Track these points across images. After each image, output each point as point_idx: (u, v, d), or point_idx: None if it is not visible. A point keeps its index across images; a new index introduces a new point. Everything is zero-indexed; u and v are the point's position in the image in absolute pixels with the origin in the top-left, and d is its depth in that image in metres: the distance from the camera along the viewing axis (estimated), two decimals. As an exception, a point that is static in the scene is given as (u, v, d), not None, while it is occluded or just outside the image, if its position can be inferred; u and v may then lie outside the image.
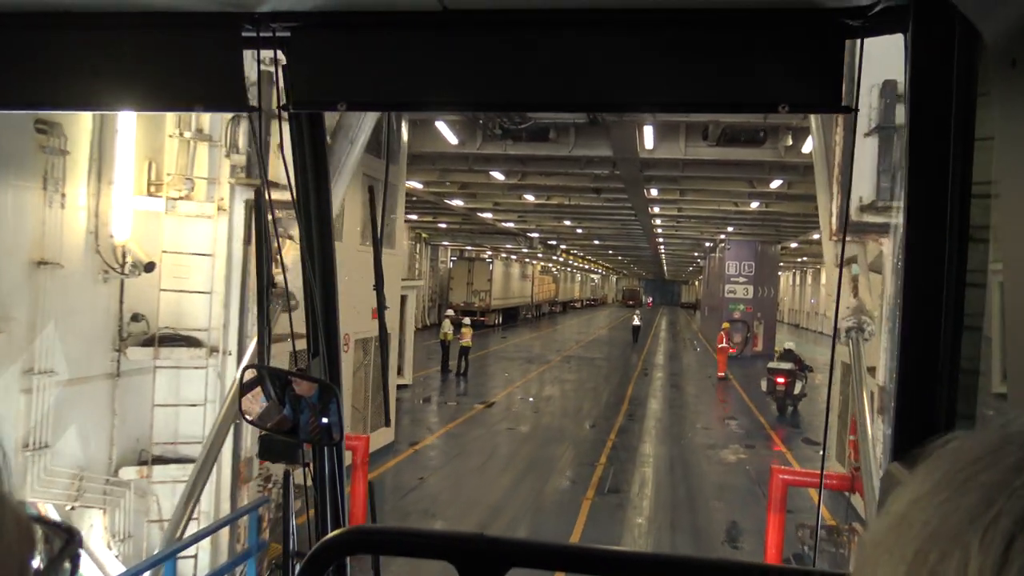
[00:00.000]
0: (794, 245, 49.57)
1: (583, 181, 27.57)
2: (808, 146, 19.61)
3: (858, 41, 1.95)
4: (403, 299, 29.51)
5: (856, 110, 2.04)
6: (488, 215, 38.88)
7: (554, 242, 59.92)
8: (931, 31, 1.82)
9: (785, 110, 2.02)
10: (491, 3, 2.01)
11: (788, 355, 26.23)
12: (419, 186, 29.10)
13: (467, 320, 33.46)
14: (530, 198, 31.72)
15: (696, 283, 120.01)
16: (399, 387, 26.70)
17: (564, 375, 34.46)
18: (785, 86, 1.97)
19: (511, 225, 44.16)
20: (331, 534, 2.17)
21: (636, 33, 1.99)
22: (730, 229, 40.99)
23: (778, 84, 1.97)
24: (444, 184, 29.74)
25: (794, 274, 79.83)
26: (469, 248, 63.17)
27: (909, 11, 1.84)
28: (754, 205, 30.38)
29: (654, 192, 28.77)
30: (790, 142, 20.31)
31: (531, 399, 27.37)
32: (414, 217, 42.36)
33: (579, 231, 47.26)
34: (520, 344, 49.42)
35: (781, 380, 25.41)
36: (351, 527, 2.76)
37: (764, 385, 26.07)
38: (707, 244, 53.65)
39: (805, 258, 66.84)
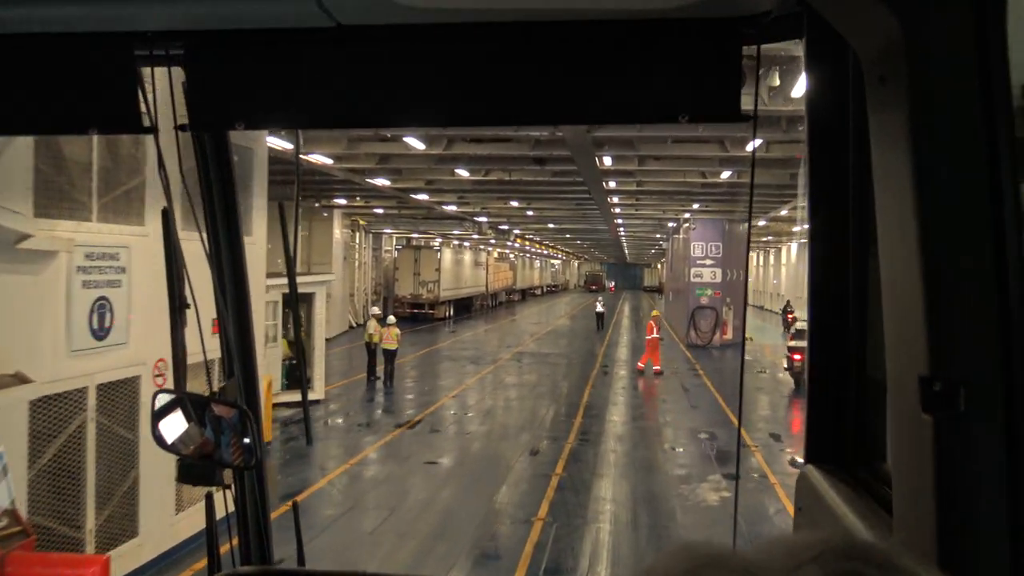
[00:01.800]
0: (762, 223, 44.77)
1: (522, 149, 22.42)
2: (799, 88, 14.89)
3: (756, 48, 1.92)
4: (309, 297, 24.24)
5: (755, 117, 2.03)
6: (423, 196, 33.58)
7: (505, 227, 54.63)
8: (823, 40, 1.87)
9: (685, 120, 1.95)
10: (384, 19, 1.93)
11: (802, 334, 24.04)
12: (328, 160, 23.75)
13: (392, 319, 28.17)
14: (463, 173, 26.47)
15: (659, 266, 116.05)
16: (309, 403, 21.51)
17: (512, 378, 29.35)
18: (684, 96, 1.92)
19: (453, 208, 38.86)
20: None
21: (531, 45, 1.95)
22: (696, 206, 36.03)
23: (677, 94, 1.92)
24: (358, 158, 24.43)
25: (758, 254, 75.93)
26: (416, 236, 57.79)
27: (803, 19, 1.87)
28: (726, 175, 25.40)
29: (608, 161, 23.66)
30: (776, 81, 15.24)
31: (466, 414, 22.22)
32: (342, 201, 37.00)
33: (529, 213, 42.03)
34: (469, 339, 44.26)
35: (798, 357, 25.99)
36: (229, 572, 2.65)
37: (785, 363, 27.67)
38: (670, 224, 48.75)
39: (770, 237, 62.41)
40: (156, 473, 10.71)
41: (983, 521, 1.29)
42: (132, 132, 2.14)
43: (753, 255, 72.39)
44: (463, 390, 26.25)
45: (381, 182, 28.53)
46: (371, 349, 27.45)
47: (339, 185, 30.01)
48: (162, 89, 2.11)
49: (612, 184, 28.67)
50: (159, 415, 2.67)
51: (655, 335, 30.64)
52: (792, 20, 1.89)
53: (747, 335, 44.12)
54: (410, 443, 18.79)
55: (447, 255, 55.82)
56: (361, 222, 47.69)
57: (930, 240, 1.31)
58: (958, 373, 1.29)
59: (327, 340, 39.81)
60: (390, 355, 26.65)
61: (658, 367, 30.29)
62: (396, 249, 56.78)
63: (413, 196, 33.06)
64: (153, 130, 2.19)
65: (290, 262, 2.93)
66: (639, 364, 30.70)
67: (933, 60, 1.33)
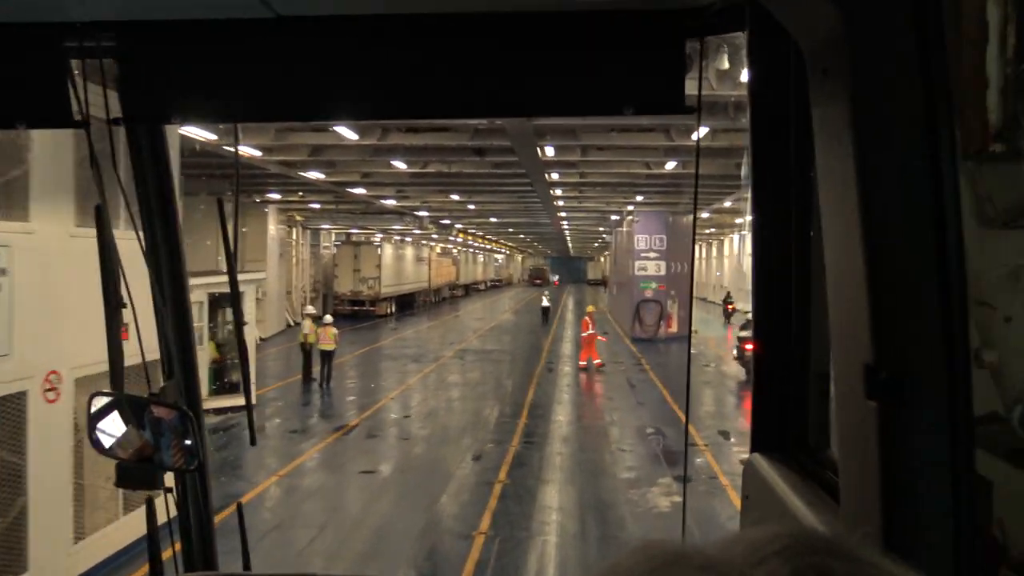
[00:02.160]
0: (705, 214, 44.48)
1: (460, 139, 21.41)
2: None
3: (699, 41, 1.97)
4: (237, 296, 22.94)
5: (699, 109, 2.06)
6: (360, 190, 32.33)
7: (447, 221, 53.53)
8: (766, 33, 1.85)
9: (630, 112, 2.00)
10: (324, 10, 1.94)
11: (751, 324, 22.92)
12: (256, 152, 22.44)
13: (328, 318, 26.96)
14: (400, 165, 25.33)
15: (602, 259, 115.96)
16: (234, 409, 20.31)
17: (454, 377, 28.36)
18: (629, 88, 1.94)
19: (392, 202, 37.64)
20: None
21: (473, 37, 1.93)
22: (640, 198, 35.42)
23: (622, 86, 1.94)
24: (288, 149, 23.18)
25: (701, 246, 76.02)
26: (356, 231, 56.34)
27: (746, 12, 1.89)
28: (670, 165, 24.72)
29: (550, 152, 22.78)
30: (725, 64, 14.47)
31: (406, 417, 21.18)
32: (276, 196, 35.56)
33: (471, 207, 41.02)
34: (411, 337, 43.11)
35: (750, 347, 22.54)
36: None
37: (735, 352, 27.78)
38: (614, 217, 48.17)
39: (713, 229, 62.34)
40: (50, 499, 9.49)
41: (927, 505, 1.30)
42: (62, 126, 2.05)
43: (696, 247, 72.41)
44: (404, 391, 25.19)
45: (315, 175, 27.26)
46: (307, 350, 26.21)
47: (272, 179, 28.64)
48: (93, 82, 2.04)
49: (555, 176, 27.84)
50: (96, 418, 2.57)
51: (591, 331, 29.83)
52: (735, 12, 1.90)
53: (693, 328, 43.79)
54: (346, 450, 17.71)
55: (388, 251, 54.49)
56: (298, 218, 46.16)
57: (873, 231, 1.33)
58: (902, 361, 1.32)
59: (263, 340, 38.45)
60: (327, 356, 25.45)
61: (599, 361, 29.57)
62: (335, 245, 55.25)
63: (349, 190, 31.80)
64: (84, 124, 2.09)
65: (230, 258, 2.82)
66: (581, 362, 29.92)
67: (874, 53, 1.35)
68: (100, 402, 2.63)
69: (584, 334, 29.93)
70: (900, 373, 1.30)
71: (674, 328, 41.12)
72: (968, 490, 1.32)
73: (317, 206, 40.48)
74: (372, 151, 23.36)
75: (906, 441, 1.32)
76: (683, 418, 20.45)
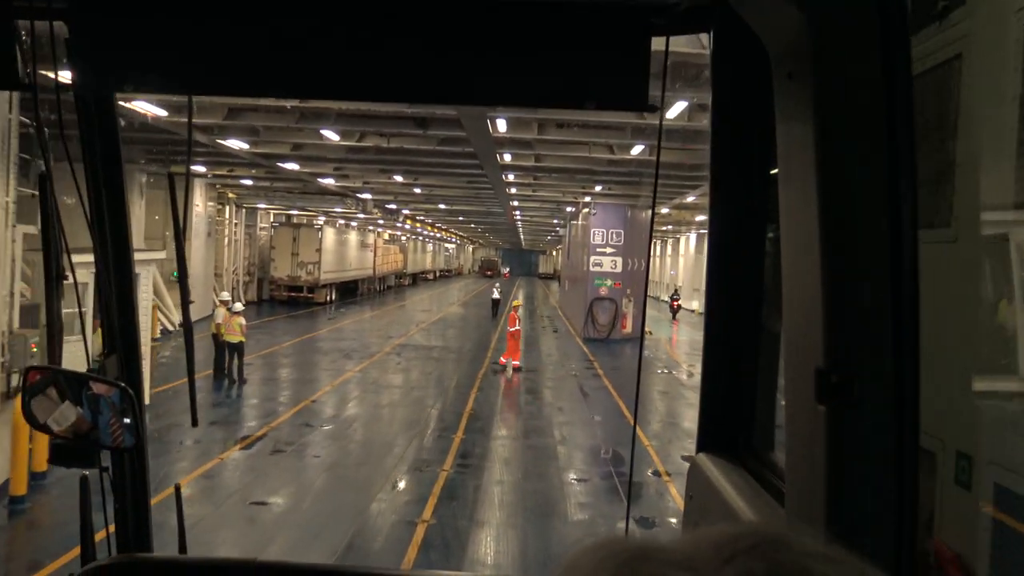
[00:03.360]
0: (665, 210, 41.79)
1: (398, 106, 18.23)
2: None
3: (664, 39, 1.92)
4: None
5: (661, 108, 2.12)
6: (293, 166, 28.92)
7: (393, 206, 50.05)
8: (731, 34, 1.86)
9: (592, 106, 1.98)
10: None
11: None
12: (161, 112, 19.01)
13: (239, 305, 23.54)
14: (332, 136, 22.04)
15: (554, 253, 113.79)
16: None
17: (388, 376, 25.19)
18: (593, 83, 1.91)
19: (330, 181, 34.21)
20: (80, 571, 2.17)
21: (435, 19, 1.89)
22: (598, 188, 32.53)
23: (586, 80, 1.91)
24: (201, 111, 19.76)
25: (656, 244, 73.83)
26: (295, 213, 52.66)
27: (713, 12, 1.89)
28: (637, 150, 21.85)
29: (502, 127, 19.73)
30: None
31: (323, 427, 17.99)
32: (200, 169, 31.93)
33: (417, 190, 37.67)
34: (349, 328, 39.76)
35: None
36: (102, 561, 2.44)
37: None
38: (569, 209, 45.29)
39: (670, 226, 59.90)
40: None
41: (872, 507, 1.31)
42: (7, 88, 1.98)
43: (652, 245, 70.08)
44: (327, 392, 21.94)
45: (236, 144, 23.80)
46: (219, 342, 22.81)
47: (185, 147, 25.06)
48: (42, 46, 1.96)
49: (507, 157, 24.78)
50: (31, 391, 2.46)
51: (517, 327, 26.84)
52: (702, 13, 1.91)
53: (646, 329, 41.31)
54: (241, 471, 14.50)
55: (329, 235, 50.98)
56: (230, 195, 42.44)
57: (830, 236, 1.34)
58: (853, 366, 1.33)
59: (181, 327, 34.85)
60: (235, 349, 22.09)
61: (517, 363, 26.43)
62: (273, 227, 51.53)
63: (281, 165, 28.35)
64: (31, 87, 2.02)
65: (179, 236, 2.69)
66: (501, 359, 26.82)
67: (839, 58, 1.36)
68: (36, 376, 2.51)
69: (511, 329, 26.90)
70: (850, 377, 1.31)
71: (628, 329, 38.46)
72: (913, 493, 1.33)
73: (249, 182, 36.84)
74: (297, 117, 20.08)
75: (854, 444, 1.32)
76: (646, 442, 17.62)
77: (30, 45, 1.96)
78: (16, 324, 12.59)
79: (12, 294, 12.05)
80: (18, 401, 11.85)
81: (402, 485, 13.93)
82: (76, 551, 2.58)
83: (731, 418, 2.13)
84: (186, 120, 20.60)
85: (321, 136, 22.44)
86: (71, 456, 2.59)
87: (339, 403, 20.68)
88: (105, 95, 2.51)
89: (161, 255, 23.88)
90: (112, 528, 2.79)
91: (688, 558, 0.65)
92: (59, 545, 10.40)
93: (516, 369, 26.17)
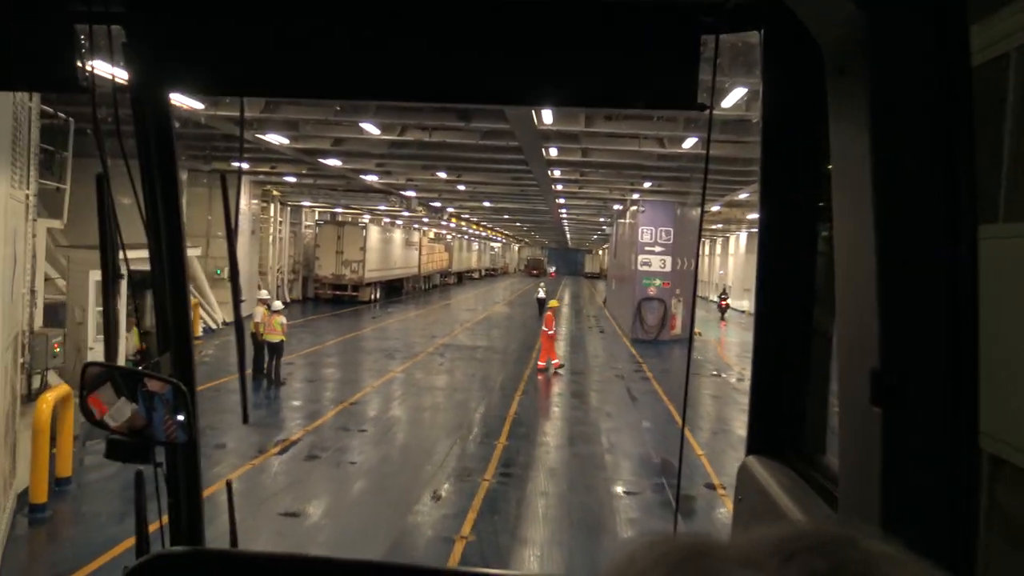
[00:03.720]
0: (716, 208, 40.46)
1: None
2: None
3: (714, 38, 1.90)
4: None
5: (711, 107, 2.00)
6: (335, 162, 28.34)
7: (437, 203, 49.37)
8: (782, 32, 1.86)
9: (642, 106, 1.98)
10: None
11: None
12: (198, 105, 18.44)
13: (278, 304, 22.90)
14: (373, 130, 21.34)
15: (600, 252, 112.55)
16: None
17: (430, 378, 24.43)
18: (642, 82, 1.90)
19: (373, 178, 33.59)
20: (135, 563, 2.18)
21: (489, 21, 1.86)
22: (647, 185, 31.42)
23: (635, 80, 1.90)
24: (236, 104, 19.14)
25: (705, 243, 72.28)
26: (340, 211, 52.30)
27: (763, 9, 1.87)
28: (689, 143, 20.77)
29: (548, 120, 18.80)
30: None
31: (360, 430, 17.25)
32: (244, 166, 31.47)
33: (461, 187, 36.91)
34: (392, 327, 39.17)
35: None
36: (157, 553, 2.46)
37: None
38: (616, 207, 44.19)
39: (720, 225, 58.39)
40: None
41: (929, 512, 1.28)
42: (67, 91, 1.97)
43: (702, 244, 68.71)
44: (367, 394, 21.23)
45: (275, 139, 23.21)
46: (258, 341, 22.22)
47: (225, 143, 24.59)
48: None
49: (553, 152, 23.85)
50: (88, 388, 2.49)
51: (552, 330, 26.16)
52: (752, 10, 1.88)
53: (695, 330, 40.09)
54: (273, 478, 13.80)
55: (373, 233, 50.51)
56: (275, 192, 42.13)
57: (885, 234, 1.31)
58: (909, 368, 1.30)
59: (226, 324, 34.54)
60: (274, 349, 21.49)
61: (557, 361, 25.99)
62: (317, 225, 51.23)
63: (322, 161, 27.78)
64: (89, 90, 2.06)
65: (231, 234, 2.81)
66: (540, 363, 26.19)
67: (893, 52, 1.32)
68: (93, 372, 2.54)
69: (549, 331, 26.16)
70: (906, 379, 1.29)
71: (677, 330, 37.28)
72: (972, 498, 1.29)
73: (292, 180, 36.40)
74: (336, 109, 19.40)
75: (910, 447, 1.30)
76: (698, 449, 16.58)
77: (88, 48, 1.98)
78: (39, 323, 12.01)
79: (33, 291, 11.46)
80: (39, 404, 11.27)
81: (440, 496, 13.10)
82: (96, 564, 2.19)
83: (781, 420, 2.11)
84: (223, 115, 20.10)
85: (361, 130, 21.73)
86: (126, 452, 2.59)
87: (378, 405, 19.94)
88: (160, 96, 2.53)
89: (196, 251, 23.30)
90: (166, 521, 2.83)
91: (747, 555, 0.64)
92: (79, 558, 9.77)
93: (558, 368, 25.57)
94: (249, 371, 21.27)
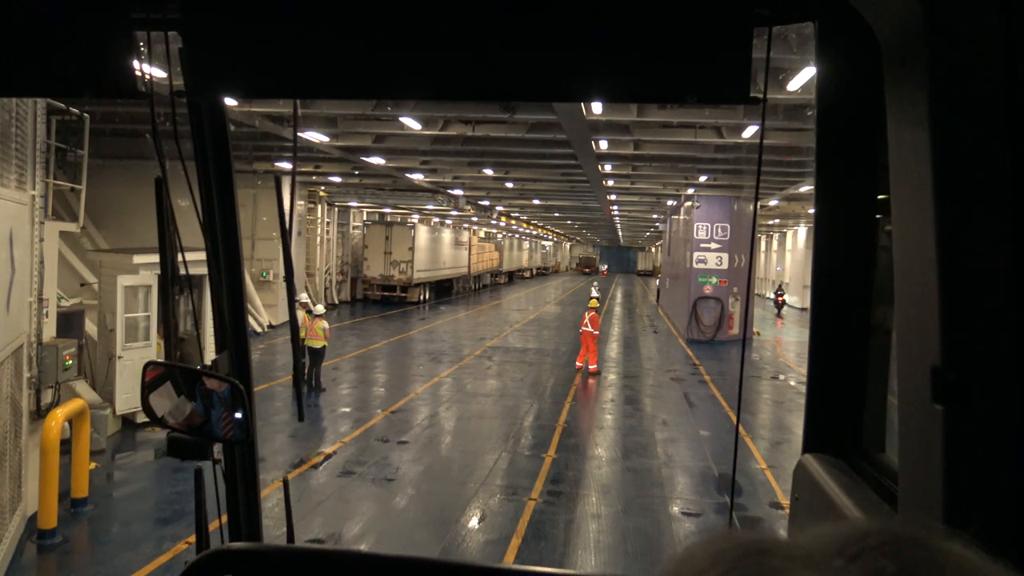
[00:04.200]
0: (774, 202, 38.63)
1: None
2: None
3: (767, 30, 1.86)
4: (201, 280, 18.18)
5: (764, 100, 1.92)
6: (378, 160, 27.41)
7: (486, 202, 48.30)
8: (837, 22, 1.85)
9: (693, 101, 1.89)
10: None
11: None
12: (231, 101, 17.56)
13: (320, 308, 21.99)
14: (412, 124, 20.29)
15: (653, 249, 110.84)
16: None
17: (476, 383, 23.33)
18: (693, 76, 1.82)
19: (419, 176, 32.62)
20: (196, 557, 2.21)
21: (540, 19, 1.83)
22: (703, 179, 29.90)
23: (685, 74, 1.82)
24: (272, 101, 18.27)
25: (762, 239, 70.10)
26: (388, 211, 51.58)
27: (817, 1, 1.86)
28: (751, 131, 19.30)
29: (597, 109, 17.54)
30: None
31: (400, 441, 16.19)
32: (286, 166, 30.81)
33: (509, 185, 35.73)
34: (440, 328, 38.22)
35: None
36: (217, 548, 2.42)
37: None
38: (670, 202, 42.61)
39: (777, 220, 56.31)
40: None
41: (996, 513, 1.26)
42: (126, 97, 1.98)
43: (759, 240, 66.57)
44: (409, 401, 20.21)
45: (315, 136, 22.33)
46: (299, 347, 21.32)
47: (266, 142, 23.80)
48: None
49: (603, 144, 22.56)
50: (149, 387, 2.56)
51: (592, 329, 24.95)
52: (805, 2, 1.89)
53: (754, 329, 38.43)
54: (303, 497, 12.79)
55: (422, 232, 49.69)
56: (321, 193, 41.50)
57: (947, 230, 1.28)
58: (972, 364, 1.28)
59: (272, 327, 33.88)
60: (316, 355, 20.59)
61: (594, 366, 24.97)
62: (365, 225, 50.56)
63: (365, 159, 26.88)
64: (148, 95, 2.12)
65: (285, 235, 2.75)
66: (577, 362, 25.44)
67: (957, 41, 1.29)
68: (153, 371, 2.59)
69: (593, 331, 25.09)
70: (969, 376, 1.27)
71: (735, 330, 35.66)
72: None
73: (337, 179, 35.64)
74: (375, 103, 18.39)
75: (974, 447, 1.27)
76: (762, 464, 15.16)
77: (146, 55, 2.02)
78: (52, 332, 11.16)
79: (42, 299, 10.61)
80: (47, 421, 10.40)
81: (481, 519, 11.95)
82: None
83: (839, 418, 2.07)
84: (259, 111, 19.25)
85: (402, 126, 20.71)
86: (185, 449, 2.61)
87: (421, 414, 18.88)
88: (216, 101, 2.62)
89: None
90: (225, 518, 2.82)
91: (810, 554, 0.62)
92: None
93: (593, 373, 24.63)
94: (290, 378, 20.44)
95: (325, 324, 20.94)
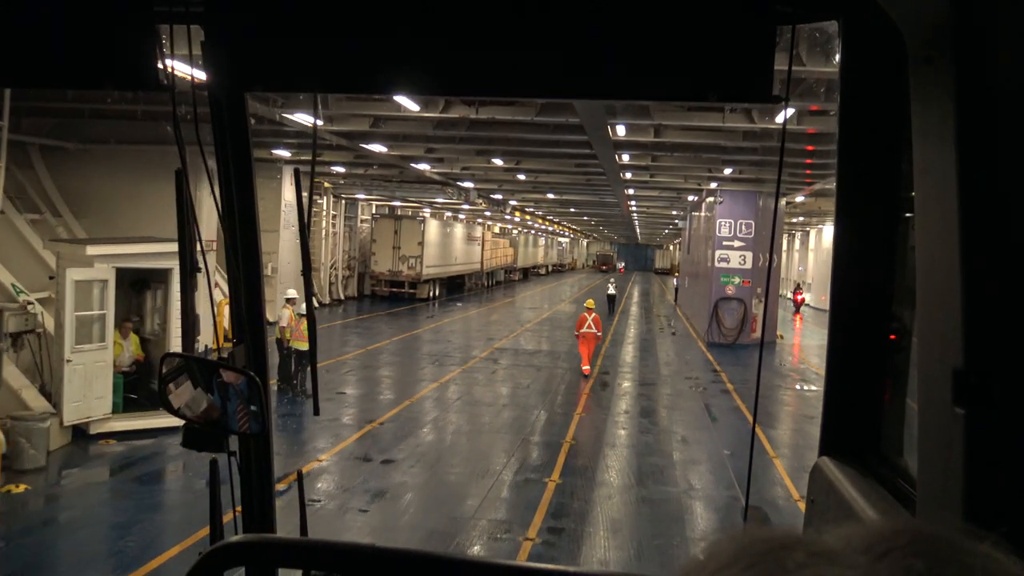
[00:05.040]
0: (800, 198, 36.34)
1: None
2: None
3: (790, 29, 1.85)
4: (165, 275, 16.25)
5: (786, 99, 2.01)
6: (379, 147, 25.44)
7: (499, 196, 46.22)
8: (861, 21, 1.83)
9: (715, 99, 1.97)
10: None
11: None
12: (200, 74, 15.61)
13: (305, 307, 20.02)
14: (410, 105, 18.28)
15: (671, 247, 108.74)
16: (146, 433, 13.95)
17: (478, 390, 21.32)
18: (715, 74, 1.85)
19: (426, 167, 30.62)
20: (210, 548, 2.18)
21: (561, 16, 1.84)
22: (727, 172, 27.71)
23: (708, 72, 1.85)
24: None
25: (785, 237, 67.72)
26: (398, 204, 49.64)
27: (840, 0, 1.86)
28: (787, 113, 17.16)
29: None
30: None
31: (384, 461, 14.19)
32: (285, 153, 28.95)
33: (521, 177, 33.61)
34: (447, 327, 36.27)
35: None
36: (231, 540, 2.32)
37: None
38: (690, 198, 40.41)
39: (802, 217, 53.95)
40: None
41: (1014, 521, 1.22)
42: (148, 89, 2.02)
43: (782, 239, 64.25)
44: (400, 411, 18.19)
45: (305, 119, 20.37)
46: (284, 348, 19.44)
47: (259, 126, 21.85)
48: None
49: (621, 131, 20.47)
50: (167, 379, 2.60)
51: (593, 330, 23.64)
52: (828, 0, 1.88)
53: (778, 332, 36.20)
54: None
55: (432, 227, 47.74)
56: (326, 184, 39.60)
57: (971, 229, 1.26)
58: (995, 367, 1.26)
59: (269, 324, 32.06)
60: (303, 357, 18.64)
61: (587, 367, 23.56)
62: (374, 218, 48.65)
63: (364, 146, 24.91)
64: (170, 88, 2.10)
65: (304, 229, 2.67)
66: (583, 367, 23.87)
67: (984, 40, 1.27)
68: (171, 363, 2.63)
69: (594, 331, 23.82)
70: (992, 379, 1.24)
71: (758, 333, 33.46)
72: None
73: (340, 169, 33.70)
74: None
75: (995, 450, 1.25)
76: (794, 494, 13.04)
77: (168, 48, 1.99)
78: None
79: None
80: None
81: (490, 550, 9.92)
82: None
83: (857, 420, 2.05)
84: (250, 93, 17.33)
85: (399, 107, 18.72)
86: (201, 441, 2.62)
87: (410, 428, 16.85)
88: (237, 93, 2.56)
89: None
90: (239, 510, 2.82)
91: (835, 551, 0.61)
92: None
93: (585, 375, 23.17)
94: (274, 380, 18.50)
95: (301, 321, 18.97)
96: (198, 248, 2.52)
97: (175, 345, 15.55)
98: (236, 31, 1.96)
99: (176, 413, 2.56)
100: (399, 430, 16.35)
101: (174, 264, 15.36)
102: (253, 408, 2.49)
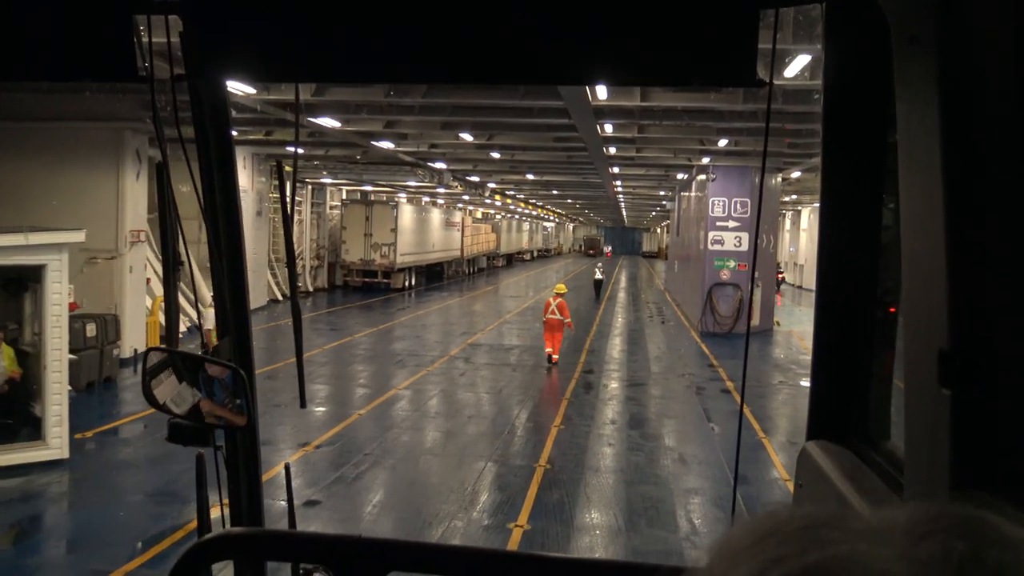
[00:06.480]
0: (796, 174, 33.54)
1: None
2: None
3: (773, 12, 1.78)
4: (38, 271, 13.21)
5: (771, 83, 1.95)
6: (332, 122, 22.37)
7: (476, 178, 43.09)
8: (844, 2, 1.83)
9: (698, 83, 1.98)
10: None
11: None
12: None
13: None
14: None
15: (659, 230, 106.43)
16: (22, 469, 10.99)
17: (442, 397, 18.40)
18: (697, 58, 1.76)
19: (388, 145, 27.50)
20: (197, 541, 2.16)
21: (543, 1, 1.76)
22: (722, 143, 24.77)
23: (691, 57, 1.76)
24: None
25: (774, 218, 64.95)
26: (369, 190, 46.50)
27: None
28: (797, 67, 14.23)
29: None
30: None
31: (308, 498, 11.26)
32: (233, 133, 25.67)
33: (495, 155, 30.52)
34: (420, 320, 33.33)
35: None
36: (219, 533, 2.37)
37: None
38: (680, 175, 37.48)
39: (794, 196, 51.16)
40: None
41: (1000, 498, 1.07)
42: (126, 80, 1.94)
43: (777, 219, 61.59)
44: (341, 431, 15.16)
45: (240, 89, 17.26)
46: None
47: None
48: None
49: (603, 96, 17.49)
50: (151, 373, 2.55)
51: (558, 316, 21.71)
52: None
53: (775, 319, 33.46)
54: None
55: (406, 212, 44.72)
56: (288, 168, 36.36)
57: (956, 212, 1.26)
58: (980, 347, 1.25)
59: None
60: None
61: (555, 355, 21.70)
62: (344, 204, 45.55)
63: (313, 120, 21.84)
64: (148, 79, 2.04)
65: (287, 220, 2.69)
66: (547, 349, 22.10)
67: (969, 18, 1.26)
68: (155, 358, 2.61)
69: (558, 318, 21.83)
70: (978, 360, 1.24)
71: (756, 321, 30.65)
72: None
73: (299, 151, 30.58)
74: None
75: (982, 432, 1.25)
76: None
77: (146, 38, 1.95)
78: None
79: None
80: None
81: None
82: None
83: (844, 404, 2.04)
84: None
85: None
86: (187, 435, 2.59)
87: (350, 451, 13.85)
88: (216, 84, 2.57)
89: (76, 236, 16.51)
90: (226, 503, 2.81)
91: (874, 530, 0.60)
92: None
93: (554, 363, 21.56)
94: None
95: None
96: (180, 242, 2.50)
97: (54, 357, 12.56)
98: (215, 21, 1.84)
99: (161, 408, 2.54)
100: (331, 460, 13.32)
101: (49, 259, 12.32)
102: (239, 401, 2.47)
